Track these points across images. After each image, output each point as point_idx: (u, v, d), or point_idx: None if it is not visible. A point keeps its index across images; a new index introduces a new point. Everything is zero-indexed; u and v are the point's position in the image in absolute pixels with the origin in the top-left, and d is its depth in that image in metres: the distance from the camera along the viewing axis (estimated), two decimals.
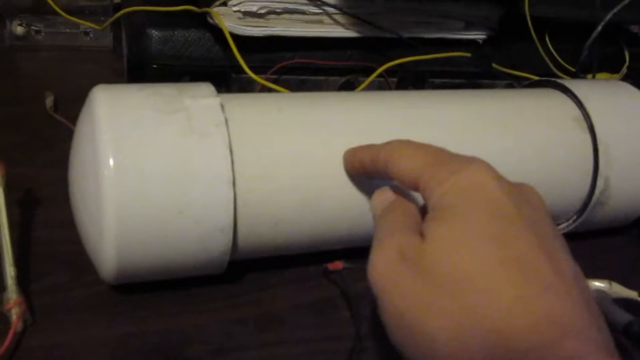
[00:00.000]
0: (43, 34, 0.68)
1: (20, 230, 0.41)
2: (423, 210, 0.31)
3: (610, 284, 0.43)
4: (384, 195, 0.33)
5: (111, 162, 0.32)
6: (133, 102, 0.35)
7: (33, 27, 0.68)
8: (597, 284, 0.43)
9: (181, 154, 0.34)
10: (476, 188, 0.28)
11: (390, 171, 0.33)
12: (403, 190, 0.33)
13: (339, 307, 0.40)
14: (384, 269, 0.28)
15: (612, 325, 0.38)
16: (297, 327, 0.38)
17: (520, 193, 0.30)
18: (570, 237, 0.47)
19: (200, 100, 0.36)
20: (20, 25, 0.67)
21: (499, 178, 0.29)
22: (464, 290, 0.25)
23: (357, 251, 0.38)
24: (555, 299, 0.25)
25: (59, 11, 0.64)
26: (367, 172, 0.35)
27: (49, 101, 0.56)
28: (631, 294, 0.43)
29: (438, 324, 0.25)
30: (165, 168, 0.33)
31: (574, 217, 0.47)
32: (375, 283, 0.28)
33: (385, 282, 0.28)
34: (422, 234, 0.29)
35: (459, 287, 0.26)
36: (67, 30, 0.69)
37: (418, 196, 0.32)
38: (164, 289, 0.38)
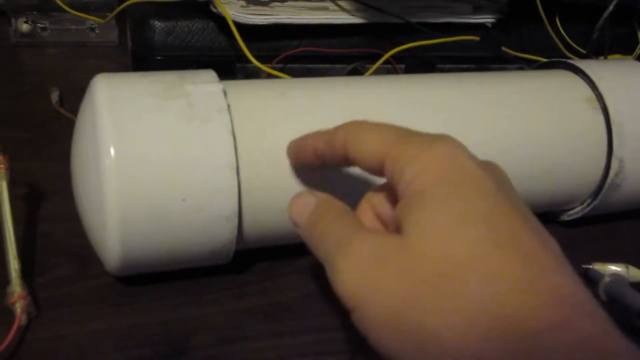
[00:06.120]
0: (49, 30, 0.68)
1: (25, 224, 0.41)
2: (391, 195, 0.29)
3: (627, 268, 0.43)
4: (304, 200, 0.31)
5: (112, 150, 0.32)
6: (134, 89, 0.34)
7: (38, 24, 0.67)
8: (614, 267, 0.42)
9: (183, 141, 0.33)
10: (452, 166, 0.26)
11: (350, 154, 0.30)
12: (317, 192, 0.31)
13: None
14: (359, 279, 0.25)
15: (628, 309, 0.38)
16: (306, 316, 0.38)
17: (492, 170, 0.28)
18: (585, 221, 0.47)
19: (201, 86, 0.35)
20: (26, 22, 0.67)
21: (470, 155, 0.27)
22: (462, 280, 0.23)
23: None
24: (555, 277, 0.24)
25: (65, 7, 0.63)
26: (323, 160, 0.32)
27: (55, 96, 0.56)
28: None
29: (440, 320, 0.23)
30: (167, 155, 0.33)
31: (588, 201, 0.46)
32: (351, 296, 0.26)
33: (364, 293, 0.25)
34: (397, 226, 0.26)
35: (455, 277, 0.23)
36: (73, 27, 0.68)
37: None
38: (171, 280, 0.38)
